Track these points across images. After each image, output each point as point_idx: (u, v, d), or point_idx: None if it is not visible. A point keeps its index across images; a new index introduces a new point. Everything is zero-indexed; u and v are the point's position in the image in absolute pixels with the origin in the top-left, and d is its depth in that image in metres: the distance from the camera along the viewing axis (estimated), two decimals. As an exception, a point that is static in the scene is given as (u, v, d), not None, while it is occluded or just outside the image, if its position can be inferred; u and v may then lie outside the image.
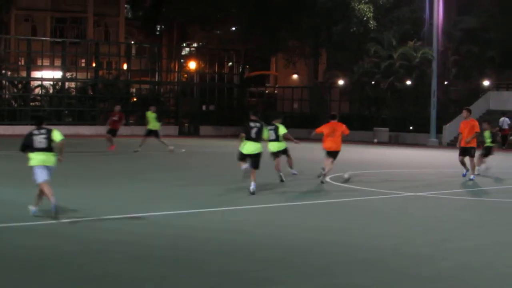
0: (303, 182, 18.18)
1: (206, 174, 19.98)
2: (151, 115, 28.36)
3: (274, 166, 18.50)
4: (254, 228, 11.17)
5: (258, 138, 15.70)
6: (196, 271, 8.18)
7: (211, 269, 8.31)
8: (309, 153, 25.21)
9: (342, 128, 18.09)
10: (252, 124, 15.77)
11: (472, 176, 18.96)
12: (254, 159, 15.63)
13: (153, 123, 28.16)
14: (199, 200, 14.17)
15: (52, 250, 9.23)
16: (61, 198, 12.00)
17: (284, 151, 18.96)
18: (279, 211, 13.32)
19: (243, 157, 15.85)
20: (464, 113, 19.07)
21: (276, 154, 18.68)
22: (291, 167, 19.31)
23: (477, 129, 18.55)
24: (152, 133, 28.08)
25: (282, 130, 18.64)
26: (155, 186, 16.42)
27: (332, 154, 17.94)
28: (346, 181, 18.04)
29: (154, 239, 9.99)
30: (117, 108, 29.42)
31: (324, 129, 18.08)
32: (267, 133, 16.36)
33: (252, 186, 15.25)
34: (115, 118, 28.28)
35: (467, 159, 19.11)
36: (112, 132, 28.27)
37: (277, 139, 18.52)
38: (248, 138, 15.67)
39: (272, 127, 18.50)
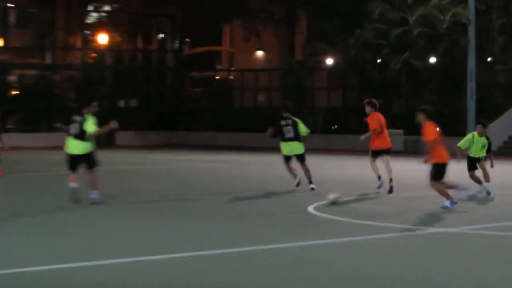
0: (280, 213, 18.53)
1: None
2: None
3: (286, 170, 22.04)
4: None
5: (82, 135, 18.14)
6: None
7: None
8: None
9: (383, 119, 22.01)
10: (74, 117, 18.37)
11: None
12: (86, 160, 18.35)
13: None
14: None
15: None
16: None
17: (302, 156, 21.78)
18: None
19: (71, 161, 18.38)
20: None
21: (290, 158, 21.75)
22: (310, 180, 21.93)
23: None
24: None
25: (304, 127, 21.78)
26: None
27: (385, 152, 21.89)
28: (333, 203, 19.08)
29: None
30: None
31: (375, 125, 21.41)
32: (91, 126, 18.19)
33: (95, 196, 18.17)
34: None
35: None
36: None
37: (296, 137, 21.51)
38: (72, 135, 18.28)
39: (288, 121, 21.44)
